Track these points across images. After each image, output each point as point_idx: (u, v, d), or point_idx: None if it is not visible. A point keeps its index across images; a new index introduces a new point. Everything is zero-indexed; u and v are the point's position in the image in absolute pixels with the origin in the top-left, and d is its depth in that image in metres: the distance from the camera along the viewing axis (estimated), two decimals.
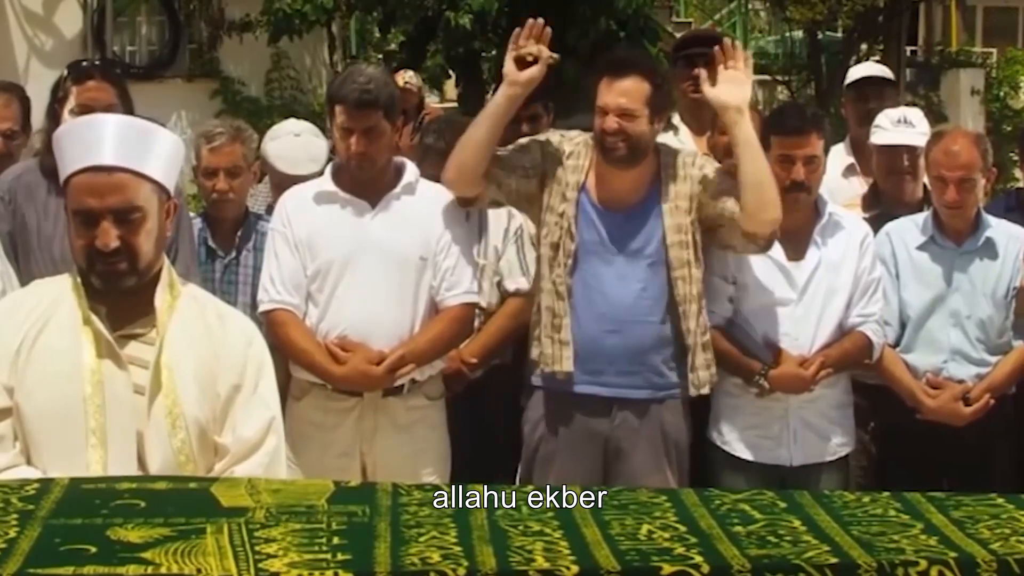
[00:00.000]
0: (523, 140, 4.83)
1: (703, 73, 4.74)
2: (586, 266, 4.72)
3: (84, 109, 4.58)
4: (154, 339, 3.22)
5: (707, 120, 5.74)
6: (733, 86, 4.69)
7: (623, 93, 4.64)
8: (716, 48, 4.76)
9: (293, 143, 5.68)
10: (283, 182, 5.46)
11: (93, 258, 3.18)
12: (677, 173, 4.76)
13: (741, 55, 4.74)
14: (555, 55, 4.70)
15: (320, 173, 5.25)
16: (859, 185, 6.03)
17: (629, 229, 4.74)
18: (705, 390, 4.80)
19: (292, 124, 5.99)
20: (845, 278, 4.95)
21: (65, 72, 4.95)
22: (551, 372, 4.72)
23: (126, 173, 3.16)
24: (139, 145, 3.21)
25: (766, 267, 4.91)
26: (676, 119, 6.03)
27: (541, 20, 4.68)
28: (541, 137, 4.86)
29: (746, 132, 4.64)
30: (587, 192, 4.74)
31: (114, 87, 4.85)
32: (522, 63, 4.66)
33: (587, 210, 4.73)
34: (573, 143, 4.80)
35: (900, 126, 5.56)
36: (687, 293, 4.71)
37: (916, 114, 5.70)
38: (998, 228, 5.14)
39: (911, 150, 5.48)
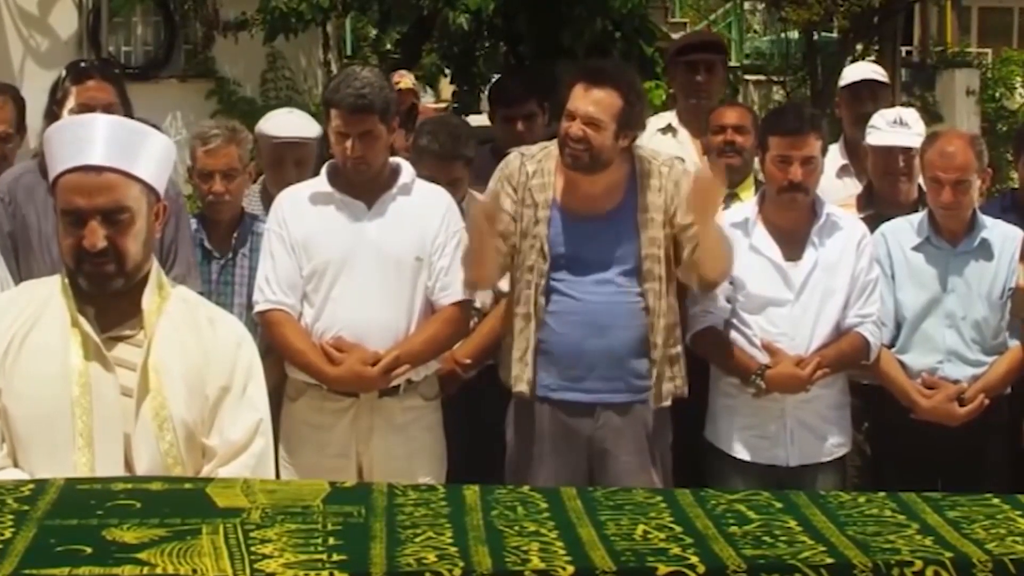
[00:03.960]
0: (494, 188, 4.80)
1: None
2: (561, 276, 4.72)
3: (84, 109, 4.58)
4: (142, 341, 3.21)
5: (705, 123, 5.77)
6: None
7: (594, 102, 4.63)
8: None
9: (286, 115, 5.80)
10: (275, 152, 5.51)
11: (81, 258, 3.16)
12: (652, 183, 4.75)
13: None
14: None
15: (311, 143, 5.40)
16: (852, 186, 6.03)
17: (606, 235, 4.74)
18: (666, 403, 4.80)
19: (286, 108, 6.17)
20: (842, 279, 4.95)
21: (63, 72, 4.94)
22: (521, 391, 4.75)
23: (115, 173, 3.15)
24: (130, 146, 3.20)
25: (763, 267, 4.92)
26: (675, 122, 6.06)
27: None
28: (503, 175, 4.82)
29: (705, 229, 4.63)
30: (557, 204, 4.74)
31: (113, 87, 4.85)
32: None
33: (558, 222, 4.73)
34: (534, 160, 4.78)
35: (895, 127, 5.55)
36: (656, 307, 4.72)
37: (911, 115, 5.70)
38: (994, 229, 5.14)
39: (906, 151, 5.48)
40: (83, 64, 5.19)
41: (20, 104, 5.66)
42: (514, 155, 4.86)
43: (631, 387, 4.76)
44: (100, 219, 3.13)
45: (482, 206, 4.67)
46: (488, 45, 11.43)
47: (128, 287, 3.21)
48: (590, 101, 4.64)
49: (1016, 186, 5.93)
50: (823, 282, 4.94)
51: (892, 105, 6.24)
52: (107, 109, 4.53)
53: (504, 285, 5.18)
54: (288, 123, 5.64)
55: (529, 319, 4.74)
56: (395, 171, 4.81)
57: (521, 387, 4.77)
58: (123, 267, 3.17)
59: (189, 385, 3.22)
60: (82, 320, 3.18)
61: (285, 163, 5.46)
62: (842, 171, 6.14)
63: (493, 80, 9.75)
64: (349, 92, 4.62)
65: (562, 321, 4.71)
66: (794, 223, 4.93)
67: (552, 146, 4.79)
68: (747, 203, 5.16)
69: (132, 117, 4.82)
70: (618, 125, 4.64)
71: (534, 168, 4.77)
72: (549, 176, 4.75)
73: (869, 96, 6.18)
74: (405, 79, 10.94)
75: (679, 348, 4.82)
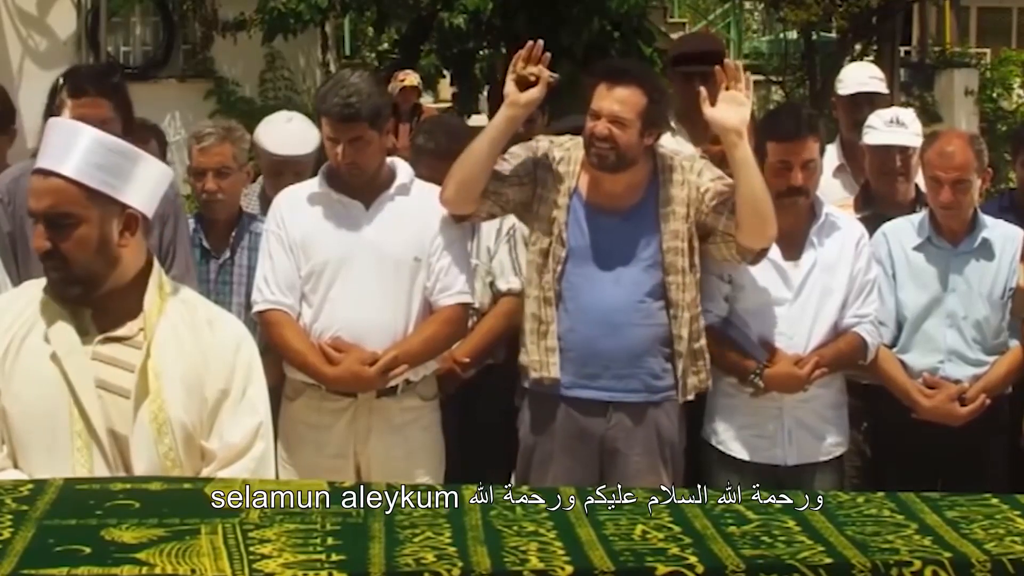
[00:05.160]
0: (514, 148, 4.80)
1: (703, 92, 4.70)
2: (579, 270, 4.70)
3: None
4: (141, 342, 3.21)
5: (703, 128, 5.76)
6: (733, 107, 4.62)
7: (619, 101, 4.63)
8: (717, 68, 4.72)
9: (284, 127, 5.66)
10: (273, 166, 5.48)
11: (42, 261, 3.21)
12: (675, 178, 4.75)
13: (743, 76, 4.70)
14: (555, 75, 4.68)
15: (310, 156, 5.37)
16: (848, 185, 6.03)
17: (626, 232, 4.73)
18: (691, 396, 4.80)
19: (285, 113, 6.01)
20: (841, 279, 4.95)
21: (61, 81, 4.94)
22: (539, 378, 4.72)
23: (60, 179, 3.14)
24: (98, 160, 3.17)
25: (762, 267, 4.91)
26: (675, 122, 6.04)
27: (541, 42, 4.66)
28: (531, 144, 4.83)
29: (744, 153, 4.61)
30: (580, 196, 4.74)
31: (110, 100, 4.81)
32: (523, 84, 4.65)
33: (580, 214, 4.72)
34: (562, 148, 4.78)
35: (892, 127, 5.55)
36: (680, 300, 4.70)
37: (908, 115, 5.69)
38: (994, 229, 5.14)
39: (903, 150, 5.48)
40: (82, 74, 5.15)
41: (6, 104, 5.67)
42: (542, 138, 4.86)
43: (647, 387, 4.75)
44: (45, 223, 3.16)
45: (527, 95, 4.63)
46: (486, 45, 11.44)
47: (89, 295, 3.20)
48: (614, 100, 4.63)
49: (1014, 186, 5.93)
50: (821, 282, 4.94)
51: (891, 105, 6.23)
52: (101, 124, 4.54)
53: (503, 285, 5.19)
54: (286, 139, 5.53)
55: (550, 303, 4.71)
56: (393, 171, 4.81)
57: (535, 375, 4.72)
58: (70, 273, 3.17)
59: (188, 387, 3.22)
60: (65, 325, 3.18)
61: (284, 175, 5.40)
62: (838, 171, 6.13)
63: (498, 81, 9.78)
64: (336, 101, 4.63)
65: (578, 318, 4.69)
66: (793, 223, 4.93)
67: (580, 139, 4.78)
68: None
69: (132, 124, 4.83)
70: (643, 123, 4.64)
71: (561, 155, 4.76)
72: (575, 166, 4.74)
73: (867, 102, 6.17)
74: (411, 77, 10.94)
75: (703, 342, 4.80)
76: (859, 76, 6.45)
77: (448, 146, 5.25)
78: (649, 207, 4.74)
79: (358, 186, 4.72)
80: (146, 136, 5.49)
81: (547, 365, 4.71)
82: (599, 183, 4.73)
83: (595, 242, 4.72)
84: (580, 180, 4.74)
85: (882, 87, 6.37)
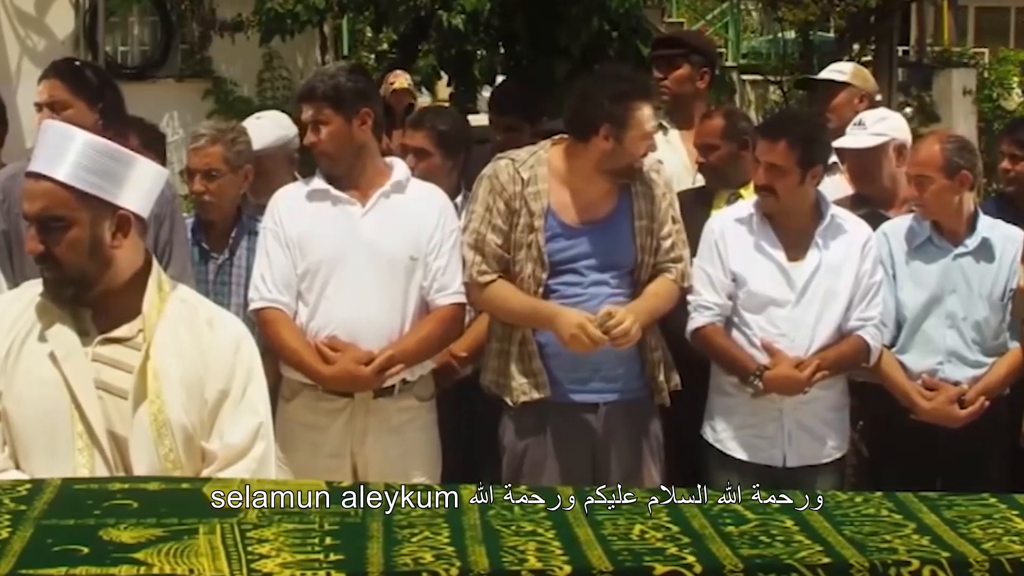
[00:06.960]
0: (484, 196, 4.75)
1: None
2: (560, 280, 4.73)
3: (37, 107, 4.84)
4: (140, 343, 3.21)
5: (689, 114, 5.82)
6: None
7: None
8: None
9: (249, 124, 5.63)
10: None
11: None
12: (643, 191, 4.80)
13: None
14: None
15: (267, 152, 5.44)
16: (841, 182, 6.04)
17: (602, 242, 4.75)
18: (667, 402, 4.85)
19: (265, 112, 6.01)
20: (846, 281, 4.94)
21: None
22: (527, 400, 4.74)
23: (51, 183, 3.16)
24: (88, 163, 3.17)
25: (766, 267, 4.92)
26: (666, 120, 6.06)
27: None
28: (495, 183, 4.75)
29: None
30: (554, 213, 4.74)
31: (67, 84, 4.91)
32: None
33: (555, 230, 4.73)
34: (528, 167, 4.76)
35: (855, 129, 5.62)
36: None
37: (874, 115, 5.70)
38: (995, 230, 5.14)
39: (860, 152, 5.52)
40: (61, 60, 5.25)
41: None
42: (504, 163, 4.80)
43: (633, 386, 4.79)
44: (37, 226, 3.18)
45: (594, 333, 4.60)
46: (485, 45, 11.42)
47: (82, 296, 3.21)
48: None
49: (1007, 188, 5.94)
50: (825, 284, 4.92)
51: (883, 104, 6.26)
52: (53, 107, 4.78)
53: None
54: None
55: (532, 330, 4.75)
56: (389, 169, 4.81)
57: (525, 399, 4.75)
58: (63, 275, 3.18)
59: (188, 388, 3.22)
60: (65, 327, 3.19)
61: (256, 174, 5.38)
62: (832, 168, 6.15)
63: (497, 81, 9.82)
64: (303, 85, 4.73)
65: None
66: (798, 223, 4.94)
67: (542, 151, 4.79)
68: (749, 201, 5.15)
69: (113, 121, 4.86)
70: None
71: (528, 175, 4.74)
72: (544, 183, 4.74)
73: (821, 97, 6.26)
74: (400, 79, 10.94)
75: (664, 347, 4.87)
76: (830, 69, 6.55)
77: (457, 134, 5.37)
78: (622, 217, 4.78)
79: (353, 179, 4.72)
80: (124, 132, 5.49)
81: (537, 386, 4.74)
82: (571, 193, 4.75)
83: (572, 254, 4.74)
84: (551, 198, 4.74)
85: (835, 76, 6.38)
